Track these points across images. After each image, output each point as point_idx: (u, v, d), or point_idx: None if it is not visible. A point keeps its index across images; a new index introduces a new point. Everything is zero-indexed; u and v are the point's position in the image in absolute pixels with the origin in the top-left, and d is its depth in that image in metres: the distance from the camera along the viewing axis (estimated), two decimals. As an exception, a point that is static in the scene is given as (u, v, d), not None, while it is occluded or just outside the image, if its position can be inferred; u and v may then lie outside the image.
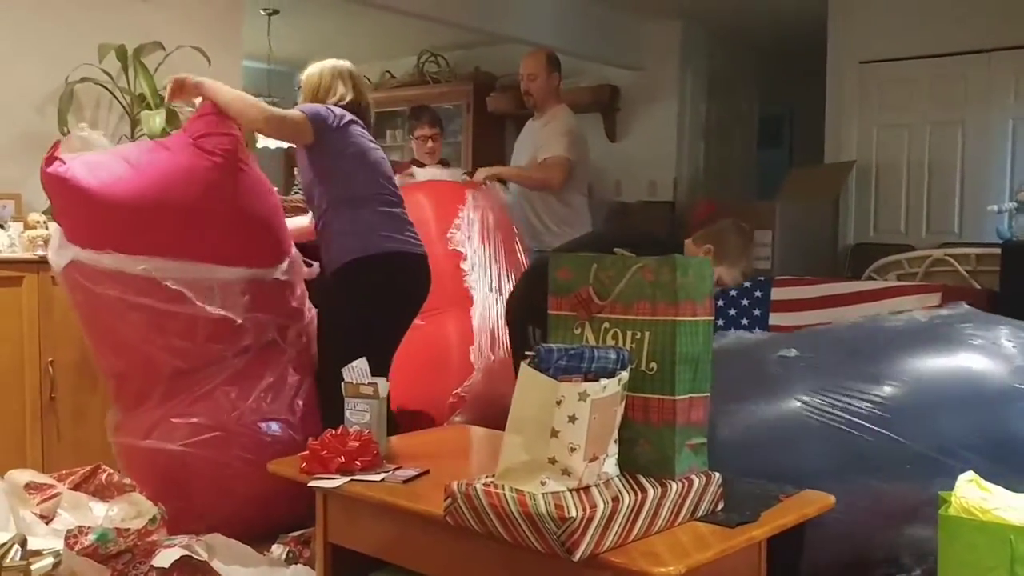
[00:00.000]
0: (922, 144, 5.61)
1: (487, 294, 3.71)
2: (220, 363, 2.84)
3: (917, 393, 2.27)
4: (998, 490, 1.91)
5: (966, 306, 2.68)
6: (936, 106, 5.56)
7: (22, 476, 2.58)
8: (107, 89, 3.77)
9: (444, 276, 3.55)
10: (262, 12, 6.09)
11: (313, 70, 3.16)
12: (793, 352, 2.43)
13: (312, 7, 5.96)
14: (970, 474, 1.93)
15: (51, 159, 2.67)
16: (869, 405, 2.24)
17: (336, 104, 3.05)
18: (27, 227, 3.33)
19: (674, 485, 1.71)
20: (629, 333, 1.79)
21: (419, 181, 4.14)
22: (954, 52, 5.41)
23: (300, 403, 2.91)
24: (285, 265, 2.97)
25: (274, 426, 2.83)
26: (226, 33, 4.26)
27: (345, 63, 3.18)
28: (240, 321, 2.82)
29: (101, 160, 2.76)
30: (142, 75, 3.74)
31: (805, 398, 2.30)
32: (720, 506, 1.81)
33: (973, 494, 1.88)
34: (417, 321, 3.13)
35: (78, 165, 2.68)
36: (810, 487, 1.97)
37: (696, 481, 1.76)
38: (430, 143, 4.76)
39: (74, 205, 2.71)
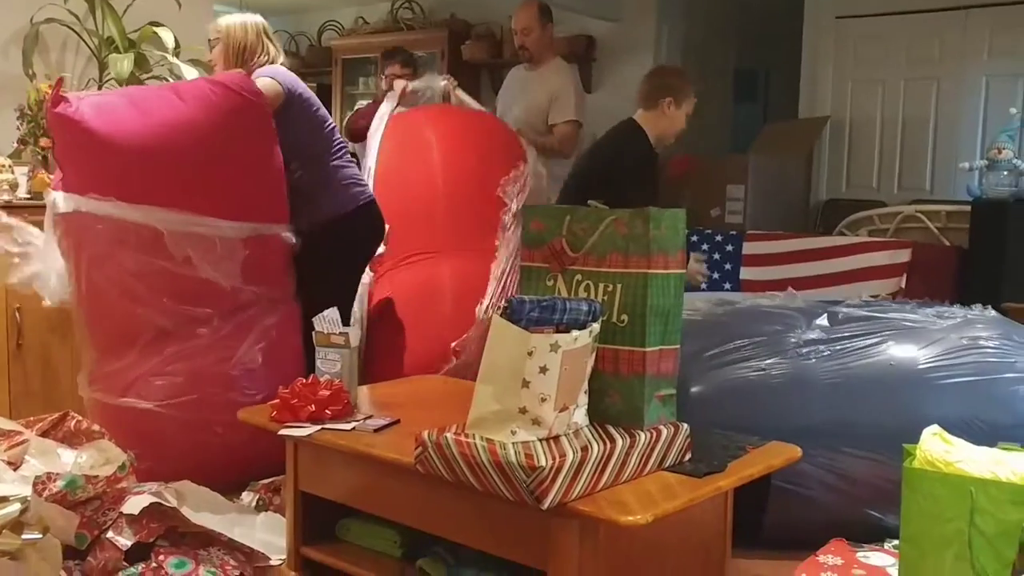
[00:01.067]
0: (896, 100, 5.62)
1: (511, 254, 3.46)
2: (206, 324, 2.79)
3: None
4: (960, 443, 1.94)
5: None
6: (911, 62, 5.56)
7: (-11, 423, 2.55)
8: (74, 31, 3.69)
9: (469, 217, 3.42)
10: (233, -46, 5.95)
11: (237, 26, 3.04)
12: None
13: (284, -50, 5.83)
14: (935, 427, 1.96)
15: (57, 99, 2.57)
16: None
17: (269, 64, 3.02)
18: (-8, 171, 3.27)
19: (642, 435, 1.73)
20: (601, 285, 1.80)
21: (470, 108, 4.01)
22: (930, 9, 5.40)
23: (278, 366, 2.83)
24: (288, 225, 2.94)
25: (251, 390, 2.76)
26: (196, -25, 4.16)
27: (260, 18, 3.11)
28: (234, 286, 2.77)
29: (109, 101, 2.69)
30: (110, 17, 3.66)
31: None
32: (688, 456, 1.83)
33: (937, 447, 1.91)
34: (407, 262, 3.10)
35: (86, 106, 2.60)
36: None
37: (664, 431, 1.78)
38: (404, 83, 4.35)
39: (79, 147, 2.63)
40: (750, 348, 2.34)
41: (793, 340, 2.37)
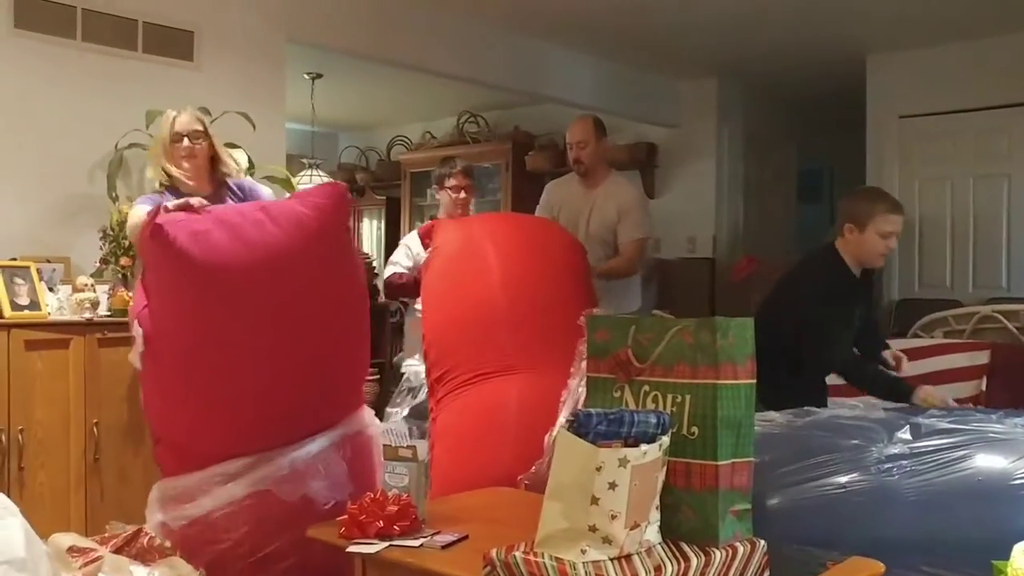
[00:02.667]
0: (966, 198, 5.55)
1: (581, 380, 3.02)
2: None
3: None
4: (1055, 558, 1.84)
5: None
6: (979, 159, 5.51)
7: (65, 539, 2.58)
8: (155, 154, 3.87)
9: (535, 330, 3.14)
10: (306, 76, 6.23)
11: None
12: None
13: (354, 71, 6.08)
14: (1024, 543, 1.87)
15: (153, 225, 2.47)
16: None
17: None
18: (75, 290, 3.39)
19: (718, 553, 1.67)
20: (669, 396, 1.77)
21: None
22: (996, 105, 5.37)
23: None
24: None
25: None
26: (270, 98, 4.36)
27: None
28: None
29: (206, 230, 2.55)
30: (188, 140, 3.83)
31: None
32: (766, 574, 1.77)
33: (1029, 563, 1.81)
34: (470, 383, 3.04)
35: (183, 234, 2.48)
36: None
37: (740, 548, 1.72)
38: (463, 194, 4.17)
39: (175, 274, 2.53)
40: (830, 464, 2.27)
41: (875, 455, 2.29)
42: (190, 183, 3.13)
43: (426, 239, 3.46)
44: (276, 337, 2.58)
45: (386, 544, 2.00)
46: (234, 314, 2.53)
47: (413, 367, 4.01)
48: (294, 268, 2.56)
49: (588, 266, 3.55)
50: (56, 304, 3.37)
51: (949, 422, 2.43)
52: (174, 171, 3.15)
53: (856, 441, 2.33)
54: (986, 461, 2.25)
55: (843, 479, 2.23)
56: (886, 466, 2.23)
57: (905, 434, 2.36)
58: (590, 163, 4.32)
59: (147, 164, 3.39)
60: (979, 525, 2.16)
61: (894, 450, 2.29)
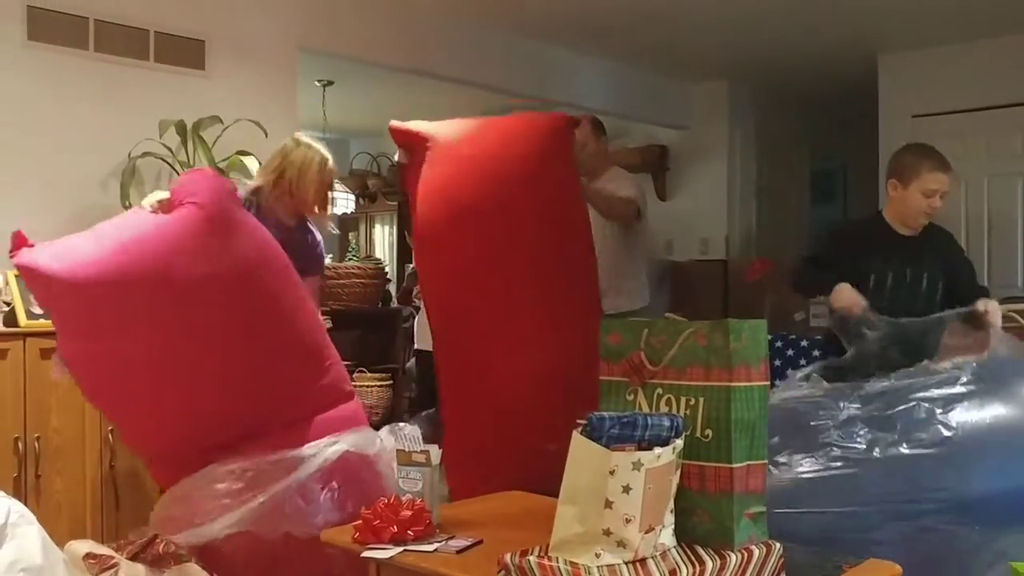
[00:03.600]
0: (980, 197, 5.52)
1: None
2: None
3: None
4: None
5: None
6: (993, 158, 5.48)
7: (81, 547, 2.59)
8: (167, 163, 3.89)
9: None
10: (317, 83, 6.25)
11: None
12: None
13: (365, 77, 6.10)
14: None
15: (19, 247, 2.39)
16: None
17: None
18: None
19: (733, 556, 1.67)
20: (683, 399, 1.77)
21: None
22: (1009, 104, 5.34)
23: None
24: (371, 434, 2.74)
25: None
26: (282, 105, 4.38)
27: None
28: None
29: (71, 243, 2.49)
30: (200, 148, 3.85)
31: None
32: (782, 577, 1.76)
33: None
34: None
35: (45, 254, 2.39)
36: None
37: (756, 552, 1.71)
38: None
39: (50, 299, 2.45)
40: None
41: (831, 425, 2.33)
42: (292, 221, 3.19)
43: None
44: (177, 340, 2.46)
45: (400, 549, 2.00)
46: (119, 324, 2.42)
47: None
48: (184, 271, 2.41)
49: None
50: (71, 313, 3.38)
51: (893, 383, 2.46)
52: (306, 207, 3.17)
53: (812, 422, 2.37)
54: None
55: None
56: (845, 432, 2.26)
57: (854, 402, 2.39)
58: (591, 163, 4.32)
59: (260, 176, 3.28)
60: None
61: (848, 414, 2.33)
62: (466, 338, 3.08)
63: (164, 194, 2.64)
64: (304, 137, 3.24)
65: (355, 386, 4.45)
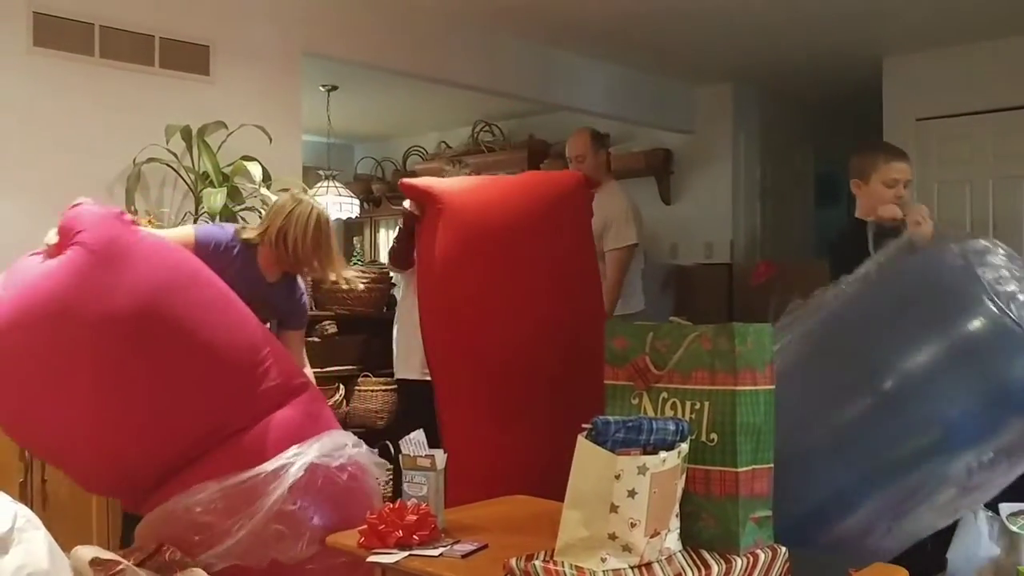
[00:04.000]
0: (985, 200, 5.51)
1: None
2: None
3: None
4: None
5: None
6: (999, 161, 5.47)
7: (87, 552, 2.59)
8: (172, 168, 3.89)
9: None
10: (321, 88, 6.26)
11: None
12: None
13: (369, 82, 6.10)
14: None
15: None
16: None
17: None
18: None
19: (739, 561, 1.67)
20: (688, 403, 1.77)
21: None
22: (1015, 106, 5.33)
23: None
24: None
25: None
26: (286, 110, 4.38)
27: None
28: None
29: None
30: (205, 154, 3.86)
31: None
32: (787, 581, 1.76)
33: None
34: None
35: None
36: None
37: (762, 556, 1.71)
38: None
39: None
40: None
41: None
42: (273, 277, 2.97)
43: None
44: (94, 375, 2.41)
45: (405, 554, 2.00)
46: (35, 369, 2.39)
47: None
48: (81, 310, 2.36)
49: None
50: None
51: None
52: (310, 269, 2.97)
53: None
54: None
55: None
56: None
57: None
58: (590, 176, 4.31)
59: (257, 231, 2.95)
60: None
61: None
62: (473, 411, 3.07)
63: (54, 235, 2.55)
64: (301, 194, 2.99)
65: (359, 391, 4.51)
